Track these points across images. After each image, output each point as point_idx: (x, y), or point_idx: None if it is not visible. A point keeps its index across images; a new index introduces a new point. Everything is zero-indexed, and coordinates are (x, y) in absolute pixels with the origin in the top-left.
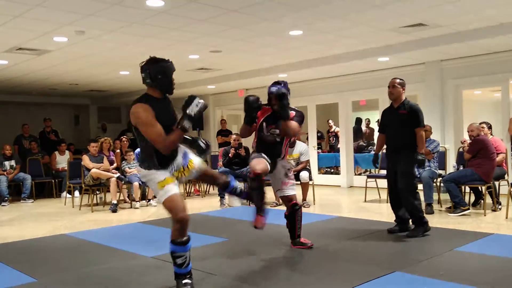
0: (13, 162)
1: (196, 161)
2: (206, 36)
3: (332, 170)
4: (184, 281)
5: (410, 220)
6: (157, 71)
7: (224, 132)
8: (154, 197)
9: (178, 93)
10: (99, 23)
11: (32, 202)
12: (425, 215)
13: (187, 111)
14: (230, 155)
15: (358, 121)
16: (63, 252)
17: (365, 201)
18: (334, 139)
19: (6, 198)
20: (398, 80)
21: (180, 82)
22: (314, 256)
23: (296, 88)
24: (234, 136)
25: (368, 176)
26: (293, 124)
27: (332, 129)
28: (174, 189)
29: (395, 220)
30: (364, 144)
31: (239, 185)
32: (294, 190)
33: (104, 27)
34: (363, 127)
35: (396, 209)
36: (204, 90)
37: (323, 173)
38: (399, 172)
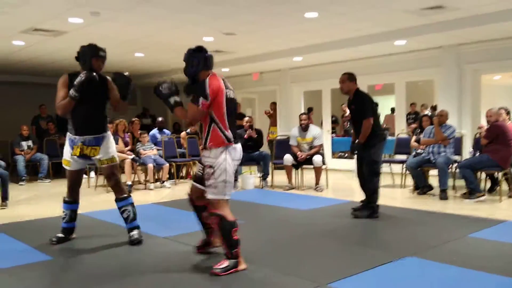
0: (30, 142)
1: (100, 153)
2: (221, 18)
3: (346, 155)
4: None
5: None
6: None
7: (238, 115)
8: (169, 178)
9: None
10: (114, 3)
11: (49, 182)
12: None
13: (76, 81)
14: (245, 136)
15: (376, 105)
16: (78, 231)
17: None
18: (349, 123)
19: (23, 178)
20: (346, 75)
21: None
22: (327, 240)
23: (311, 72)
24: (247, 119)
25: (383, 161)
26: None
27: (347, 114)
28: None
29: (361, 201)
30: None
31: (134, 211)
32: (215, 194)
33: (119, 8)
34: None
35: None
36: (218, 73)
37: (337, 158)
38: (364, 160)
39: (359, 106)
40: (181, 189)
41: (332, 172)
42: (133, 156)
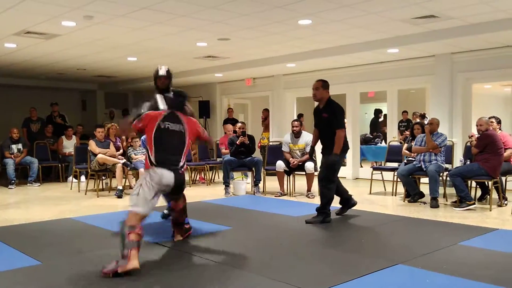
0: (20, 146)
1: None
2: (215, 23)
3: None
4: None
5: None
6: None
7: (231, 121)
8: None
9: (184, 81)
10: (108, 7)
11: (39, 185)
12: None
13: None
14: (238, 142)
15: (377, 112)
16: (68, 235)
17: (370, 193)
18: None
19: (13, 181)
20: (321, 82)
21: (187, 69)
22: (318, 247)
23: (304, 78)
24: (239, 124)
25: (374, 168)
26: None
27: None
28: None
29: (339, 202)
30: (371, 136)
31: None
32: (136, 207)
33: (113, 12)
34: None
35: (339, 195)
36: (211, 78)
37: None
38: (322, 165)
39: (332, 116)
40: None
41: None
42: (124, 160)
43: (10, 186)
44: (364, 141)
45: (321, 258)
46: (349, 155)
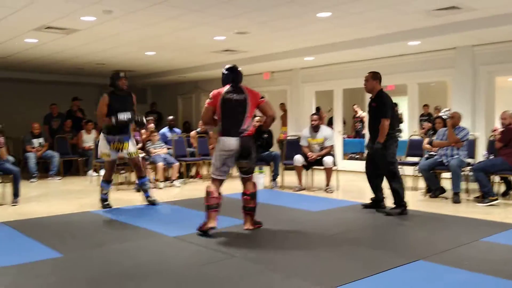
0: (41, 140)
1: (130, 148)
2: (233, 18)
3: (357, 156)
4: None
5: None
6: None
7: None
8: (178, 177)
9: (202, 75)
10: (126, 2)
11: (60, 179)
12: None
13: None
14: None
15: (396, 105)
16: (88, 229)
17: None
18: (360, 124)
19: (34, 175)
20: (371, 74)
21: (205, 64)
22: (336, 242)
23: (323, 72)
24: (257, 118)
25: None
26: None
27: (358, 114)
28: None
29: (371, 198)
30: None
31: (150, 186)
32: (212, 174)
33: (131, 7)
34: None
35: (373, 189)
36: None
37: (348, 159)
38: (379, 162)
39: (380, 104)
40: (191, 188)
41: (343, 174)
42: (143, 154)
43: (31, 180)
44: None
45: (339, 254)
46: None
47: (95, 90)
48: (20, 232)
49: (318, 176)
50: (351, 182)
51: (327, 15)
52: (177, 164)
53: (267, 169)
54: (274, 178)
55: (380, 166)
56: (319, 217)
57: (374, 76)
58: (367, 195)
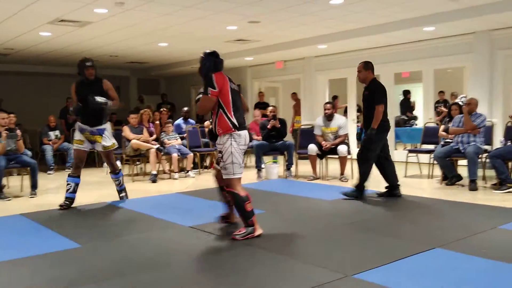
0: (57, 132)
1: (104, 141)
2: (244, 6)
3: None
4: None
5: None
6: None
7: (261, 105)
8: (193, 168)
9: None
10: None
11: None
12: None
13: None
14: (269, 127)
15: (406, 93)
16: (105, 219)
17: (406, 176)
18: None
19: (51, 167)
20: (362, 64)
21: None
22: (353, 230)
23: (336, 59)
24: (270, 108)
25: (409, 151)
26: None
27: None
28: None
29: (385, 186)
30: (406, 118)
31: (123, 183)
32: (226, 174)
33: None
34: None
35: (384, 177)
36: (242, 62)
37: None
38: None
39: (373, 92)
40: (205, 179)
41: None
42: (157, 145)
43: (49, 172)
44: (399, 123)
45: (356, 242)
46: None
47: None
48: (39, 224)
49: (332, 165)
50: None
51: (340, 1)
52: (191, 155)
53: (281, 159)
54: (288, 167)
55: (360, 147)
56: (334, 206)
57: (366, 66)
58: (382, 184)
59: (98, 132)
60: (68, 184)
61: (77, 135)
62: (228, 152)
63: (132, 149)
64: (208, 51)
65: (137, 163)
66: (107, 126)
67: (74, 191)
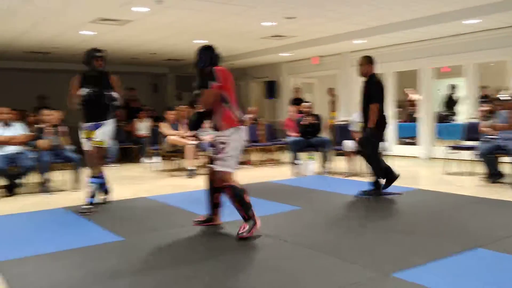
0: None
1: (97, 137)
2: (281, 2)
3: (410, 141)
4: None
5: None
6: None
7: (297, 101)
8: None
9: (250, 62)
10: None
11: (117, 166)
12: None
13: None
14: (304, 123)
15: (451, 88)
16: (145, 213)
17: (446, 173)
18: (413, 108)
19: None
20: (365, 58)
21: (253, 50)
22: (390, 228)
23: (373, 54)
24: (306, 104)
25: (450, 147)
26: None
27: (410, 98)
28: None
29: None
30: (447, 113)
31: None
32: (224, 166)
33: None
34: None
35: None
36: (278, 58)
37: (401, 144)
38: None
39: (370, 89)
40: (241, 175)
41: (396, 159)
42: (195, 141)
43: None
44: (440, 118)
45: (393, 240)
46: (422, 134)
47: (148, 79)
48: (82, 217)
49: None
50: (403, 168)
51: None
52: None
53: (317, 155)
54: (324, 164)
55: (363, 145)
56: (371, 203)
57: (369, 60)
58: (421, 181)
59: (94, 127)
60: (90, 186)
61: (81, 136)
62: (233, 146)
63: (169, 145)
64: (205, 45)
65: (174, 159)
66: (108, 123)
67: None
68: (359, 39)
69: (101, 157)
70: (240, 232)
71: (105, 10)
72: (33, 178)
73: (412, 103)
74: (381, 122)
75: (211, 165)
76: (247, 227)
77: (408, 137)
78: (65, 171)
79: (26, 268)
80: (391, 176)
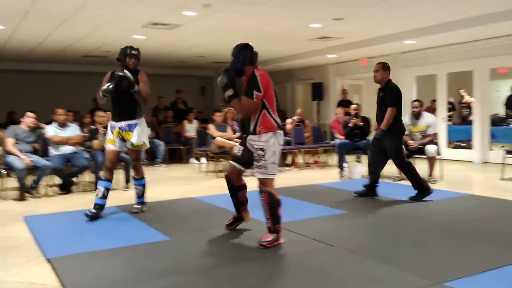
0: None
1: (133, 138)
2: (331, 4)
3: (463, 144)
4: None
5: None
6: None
7: (344, 102)
8: None
9: (297, 63)
10: None
11: (165, 166)
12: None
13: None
14: (350, 125)
15: None
16: (191, 214)
17: (502, 178)
18: (467, 110)
19: (143, 162)
20: (381, 65)
21: (300, 52)
22: (442, 235)
23: (424, 56)
24: (353, 106)
25: (507, 152)
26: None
27: (465, 100)
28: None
29: (364, 185)
30: (504, 116)
31: (143, 190)
32: (264, 174)
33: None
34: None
35: (371, 175)
36: (324, 60)
37: (453, 147)
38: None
39: (386, 94)
40: (287, 177)
41: (447, 163)
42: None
43: None
44: (495, 121)
45: (445, 247)
46: (477, 137)
47: (196, 82)
48: (131, 215)
49: (419, 166)
50: (456, 172)
51: None
52: None
53: (364, 158)
54: None
55: (392, 155)
56: (421, 208)
57: (384, 67)
58: (475, 186)
59: (128, 128)
60: (97, 189)
61: (109, 134)
62: (272, 151)
63: (216, 147)
64: (242, 43)
65: (222, 159)
66: (140, 122)
67: (104, 197)
68: (411, 39)
69: (140, 158)
70: (263, 240)
71: (158, 14)
72: (87, 177)
73: (468, 105)
74: (398, 128)
75: (237, 165)
76: (270, 238)
77: (461, 141)
78: (117, 170)
79: (79, 264)
80: (371, 189)
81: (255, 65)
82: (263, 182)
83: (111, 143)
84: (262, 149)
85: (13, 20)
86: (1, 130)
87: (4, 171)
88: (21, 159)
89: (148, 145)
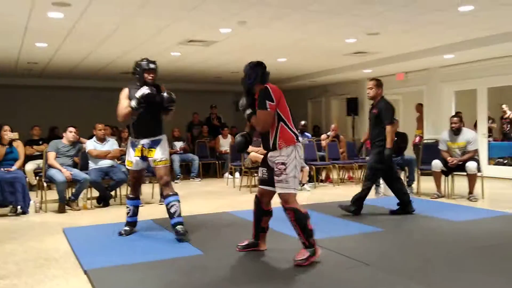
0: (181, 143)
1: (156, 155)
2: (367, 19)
3: (506, 161)
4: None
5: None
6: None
7: None
8: (308, 181)
9: (331, 78)
10: (261, 12)
11: (200, 180)
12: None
13: (136, 95)
14: None
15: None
16: (225, 228)
17: None
18: (509, 126)
19: (178, 176)
20: (375, 81)
21: (335, 67)
22: (482, 255)
23: (463, 70)
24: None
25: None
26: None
27: (507, 115)
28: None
29: (397, 203)
30: None
31: (177, 208)
32: (286, 188)
33: (265, 16)
34: None
35: (395, 194)
36: (359, 75)
37: (494, 164)
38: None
39: (382, 111)
40: (321, 192)
41: (488, 180)
42: None
43: (176, 181)
44: None
45: (486, 269)
46: None
47: (230, 97)
48: (166, 229)
49: (459, 183)
50: (498, 190)
51: (470, 8)
52: (307, 168)
53: (401, 175)
54: (409, 184)
55: (367, 169)
56: (462, 227)
57: (378, 84)
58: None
59: (152, 144)
60: (127, 207)
61: (130, 154)
62: (293, 165)
63: (250, 161)
64: (254, 62)
65: (255, 174)
66: (164, 138)
67: (135, 214)
68: (450, 53)
69: (169, 174)
70: (297, 258)
71: (195, 31)
72: (124, 191)
73: (510, 121)
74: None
75: (267, 187)
76: (305, 256)
77: (503, 157)
78: (154, 184)
79: (115, 276)
80: (405, 206)
81: (266, 84)
82: (285, 199)
83: (130, 165)
84: (283, 163)
85: (56, 39)
86: (44, 145)
87: (45, 184)
88: (62, 172)
89: (169, 162)
